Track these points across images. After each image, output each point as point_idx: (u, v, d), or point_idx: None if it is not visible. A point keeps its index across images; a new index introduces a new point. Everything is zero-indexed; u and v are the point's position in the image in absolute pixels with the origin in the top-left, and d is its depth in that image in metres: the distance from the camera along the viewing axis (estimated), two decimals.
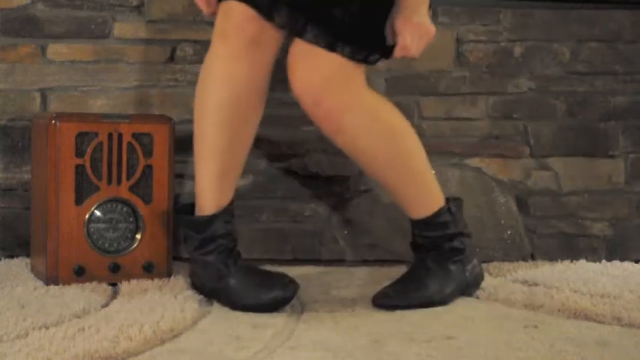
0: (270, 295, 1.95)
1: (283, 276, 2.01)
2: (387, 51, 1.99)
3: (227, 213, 2.02)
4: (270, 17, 1.93)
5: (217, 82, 1.97)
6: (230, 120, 1.98)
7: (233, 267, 1.99)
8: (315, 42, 1.91)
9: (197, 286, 2.05)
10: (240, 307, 1.96)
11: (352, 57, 1.94)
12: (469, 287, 2.13)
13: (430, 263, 2.08)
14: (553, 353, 1.69)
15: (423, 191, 2.09)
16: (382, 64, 2.49)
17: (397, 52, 1.97)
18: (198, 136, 2.01)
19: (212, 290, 2.01)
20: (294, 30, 1.93)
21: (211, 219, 2.00)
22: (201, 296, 2.03)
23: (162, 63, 2.51)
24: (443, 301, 2.05)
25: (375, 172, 2.07)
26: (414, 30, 1.94)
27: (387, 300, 2.02)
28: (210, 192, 2.00)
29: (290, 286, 1.97)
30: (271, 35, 1.96)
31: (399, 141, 2.05)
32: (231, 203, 2.03)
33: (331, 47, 1.92)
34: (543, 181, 2.61)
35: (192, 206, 2.05)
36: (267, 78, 2.01)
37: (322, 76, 1.94)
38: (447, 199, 2.12)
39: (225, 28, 1.96)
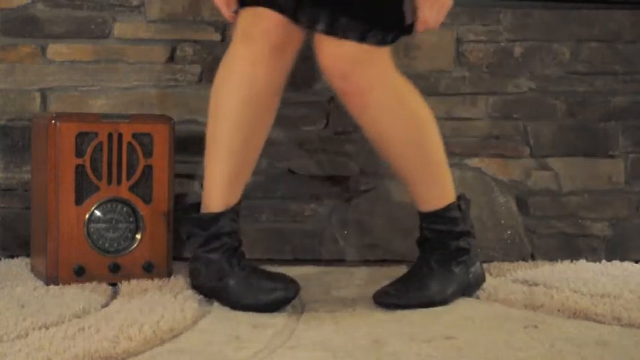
0: (271, 296, 1.95)
1: (285, 277, 2.01)
2: (406, 28, 2.00)
3: (234, 212, 2.02)
4: (296, 19, 1.94)
5: (237, 83, 1.97)
6: (247, 122, 1.99)
7: (237, 266, 1.99)
8: (345, 37, 1.92)
9: (197, 286, 2.05)
10: (241, 307, 1.96)
11: (383, 42, 1.95)
12: (470, 288, 2.13)
13: (434, 264, 2.08)
14: (553, 353, 1.69)
15: (437, 183, 2.08)
16: None
17: (420, 27, 1.98)
18: (212, 135, 2.01)
19: (212, 289, 2.01)
20: (321, 29, 1.93)
21: (218, 216, 2.00)
22: (201, 296, 2.03)
23: (163, 63, 2.51)
24: (444, 302, 2.05)
25: (391, 155, 2.06)
26: (433, 3, 1.95)
27: (387, 298, 2.02)
28: (219, 191, 2.00)
29: (291, 286, 1.97)
30: (295, 40, 1.98)
31: (420, 127, 2.05)
32: (239, 203, 2.04)
33: (362, 38, 1.93)
34: (543, 181, 2.61)
35: (197, 206, 2.04)
36: (285, 81, 2.02)
37: (353, 52, 1.94)
38: (459, 197, 2.12)
39: (252, 31, 1.96)
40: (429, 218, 2.09)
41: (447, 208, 2.08)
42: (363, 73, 1.95)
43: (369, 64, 1.95)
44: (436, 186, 2.09)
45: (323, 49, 1.95)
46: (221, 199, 2.00)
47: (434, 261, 2.08)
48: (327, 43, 1.94)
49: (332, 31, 1.92)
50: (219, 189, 2.00)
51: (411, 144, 2.04)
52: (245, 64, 1.97)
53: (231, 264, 1.99)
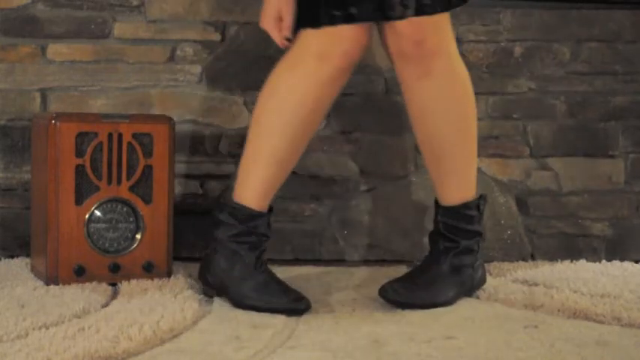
0: (278, 305, 1.94)
1: (299, 292, 2.00)
2: None
3: (269, 216, 2.03)
4: (386, 18, 1.92)
5: (303, 101, 1.97)
6: (299, 136, 2.00)
7: (258, 268, 2.00)
8: (434, 13, 1.92)
9: (208, 278, 2.04)
10: (246, 306, 1.96)
11: (464, 1, 1.98)
12: (472, 290, 2.13)
13: (445, 267, 2.07)
14: (553, 353, 1.69)
15: (465, 175, 2.08)
16: (383, 63, 2.50)
17: None
18: (254, 141, 2.01)
19: (222, 283, 2.00)
20: (412, 14, 1.91)
21: (258, 215, 2.00)
22: (202, 296, 2.03)
23: (163, 63, 2.51)
24: (447, 304, 2.04)
25: (433, 138, 2.04)
26: None
27: (393, 295, 2.01)
28: (256, 192, 2.01)
29: (303, 301, 1.97)
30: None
31: (468, 105, 2.05)
32: (271, 209, 2.04)
33: (446, 8, 1.94)
34: (543, 181, 2.61)
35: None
36: None
37: (432, 18, 1.93)
38: (480, 196, 2.11)
39: (330, 52, 1.94)
40: (447, 212, 2.09)
41: (467, 205, 2.08)
42: (436, 37, 1.95)
43: (441, 27, 1.96)
44: (463, 179, 2.08)
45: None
46: (258, 200, 2.01)
47: (445, 265, 2.07)
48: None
49: (421, 12, 1.91)
50: (256, 191, 2.01)
51: (455, 127, 2.03)
52: (319, 86, 1.96)
53: (255, 263, 2.00)
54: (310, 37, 1.96)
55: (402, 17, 1.92)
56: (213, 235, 2.03)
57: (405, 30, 1.93)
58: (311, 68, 1.96)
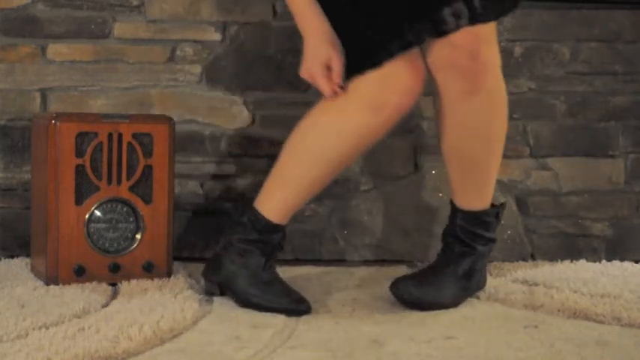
0: (281, 305, 1.95)
1: (300, 295, 2.00)
2: None
3: (284, 229, 2.03)
4: (439, 33, 1.88)
5: (343, 141, 1.95)
6: (332, 169, 1.99)
7: (268, 270, 2.00)
8: (486, 21, 1.90)
9: (210, 275, 2.04)
10: (250, 305, 1.96)
11: (514, 8, 1.97)
12: (474, 291, 2.13)
13: (459, 271, 2.06)
14: (553, 353, 1.69)
15: (487, 183, 2.07)
16: None
17: None
18: (291, 165, 2.00)
19: (229, 280, 2.00)
20: (465, 24, 1.88)
21: (275, 228, 2.00)
22: (202, 296, 2.03)
23: (163, 63, 2.51)
24: (452, 306, 2.04)
25: (467, 146, 2.01)
26: None
27: (406, 294, 2.01)
28: (278, 208, 2.00)
29: (305, 303, 1.97)
30: None
31: (503, 121, 2.03)
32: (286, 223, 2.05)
33: (498, 16, 1.93)
34: (543, 181, 2.61)
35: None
36: None
37: (485, 29, 1.91)
38: (501, 204, 2.12)
39: (383, 102, 1.90)
40: (466, 217, 2.08)
41: (486, 212, 2.08)
42: (487, 47, 1.93)
43: (492, 39, 1.94)
44: (486, 188, 2.07)
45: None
46: (278, 215, 2.00)
47: (460, 269, 2.06)
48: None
49: (475, 20, 1.88)
50: (278, 207, 2.00)
51: (489, 142, 2.02)
52: (355, 130, 1.93)
53: (264, 265, 2.00)
54: (363, 85, 1.91)
55: (456, 29, 1.88)
56: (227, 236, 2.03)
57: (461, 41, 1.89)
58: (358, 117, 1.92)
